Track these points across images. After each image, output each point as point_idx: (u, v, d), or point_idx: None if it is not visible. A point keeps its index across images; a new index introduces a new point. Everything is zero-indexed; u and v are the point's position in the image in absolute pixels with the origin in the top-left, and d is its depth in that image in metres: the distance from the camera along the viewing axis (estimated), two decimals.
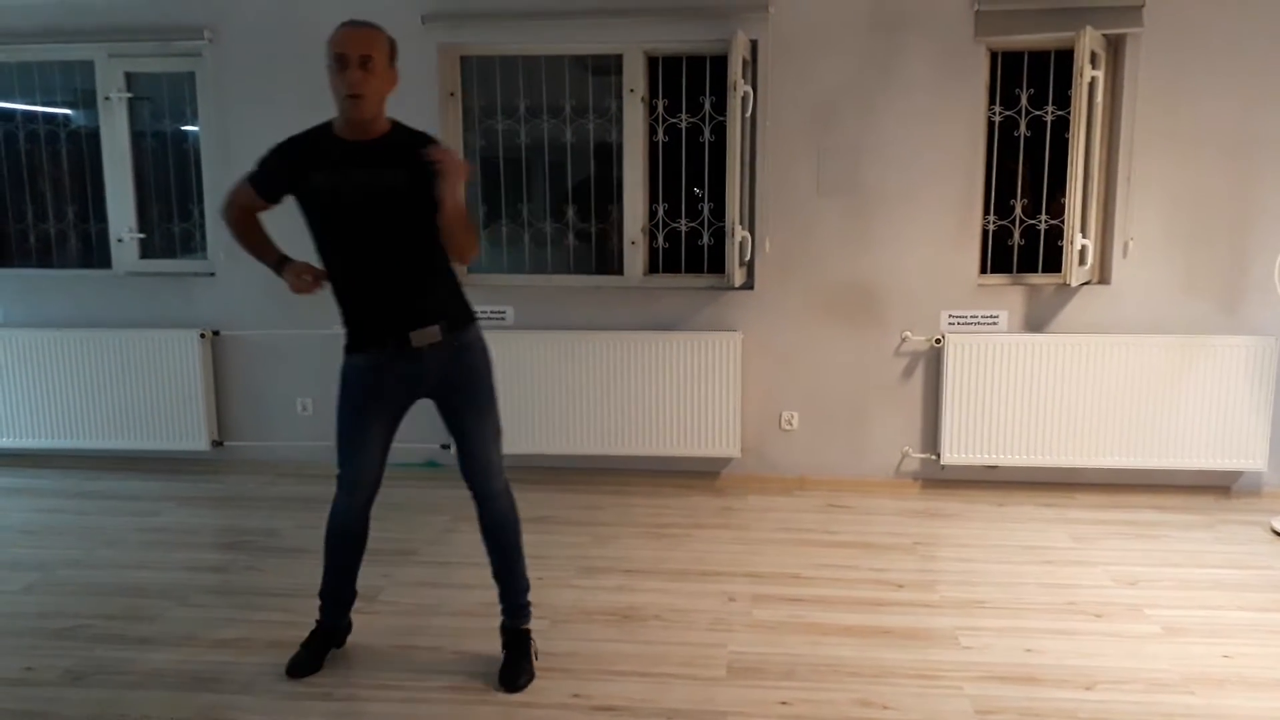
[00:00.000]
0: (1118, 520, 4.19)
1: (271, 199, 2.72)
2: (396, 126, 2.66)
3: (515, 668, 2.80)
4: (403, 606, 3.35)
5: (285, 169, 2.65)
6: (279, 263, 2.74)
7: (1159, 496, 4.45)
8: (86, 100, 4.95)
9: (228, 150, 4.76)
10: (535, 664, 2.86)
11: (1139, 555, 3.79)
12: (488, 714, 2.66)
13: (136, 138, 4.94)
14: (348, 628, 3.01)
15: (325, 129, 2.66)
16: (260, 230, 2.79)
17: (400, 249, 2.62)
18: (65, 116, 5.04)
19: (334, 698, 2.74)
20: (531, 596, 2.94)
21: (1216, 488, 4.52)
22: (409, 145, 2.60)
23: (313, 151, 2.63)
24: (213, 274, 4.89)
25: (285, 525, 4.17)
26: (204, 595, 3.46)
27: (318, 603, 2.95)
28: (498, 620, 2.91)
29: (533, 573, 3.55)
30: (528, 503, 4.49)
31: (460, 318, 2.73)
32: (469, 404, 2.75)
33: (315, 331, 4.83)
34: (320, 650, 2.91)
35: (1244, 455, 4.37)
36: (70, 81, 4.97)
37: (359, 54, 2.50)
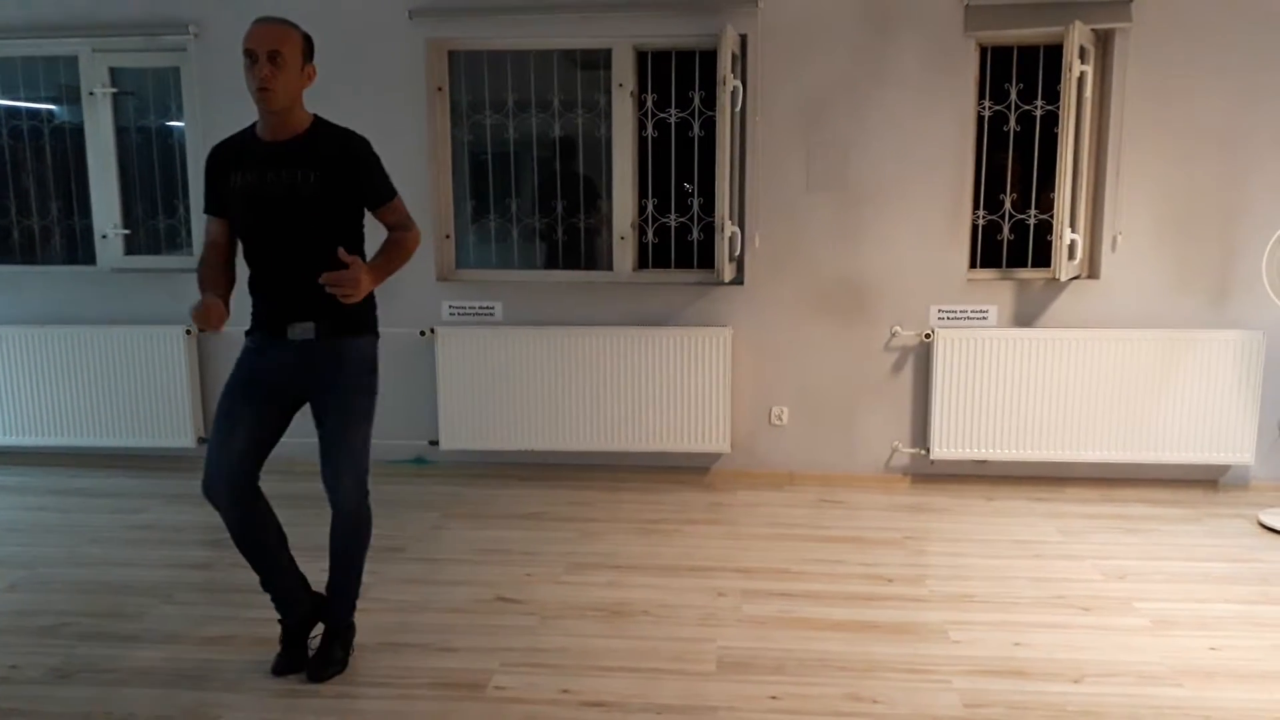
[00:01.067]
0: (1106, 514, 4.20)
1: (223, 214, 2.74)
2: (316, 124, 2.69)
3: (317, 662, 2.80)
4: (391, 603, 3.33)
5: (214, 178, 2.72)
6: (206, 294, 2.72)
7: (1147, 490, 4.47)
8: (71, 95, 4.91)
9: (212, 146, 4.72)
10: (348, 658, 2.86)
11: (1127, 549, 3.80)
12: (476, 711, 2.65)
13: (121, 133, 4.91)
14: (309, 615, 2.89)
15: (249, 131, 2.71)
16: (221, 272, 2.76)
17: (304, 247, 2.63)
18: (49, 112, 5.00)
19: (321, 694, 2.72)
20: (351, 602, 2.90)
21: (1204, 481, 4.54)
22: (327, 147, 2.63)
23: (234, 154, 2.68)
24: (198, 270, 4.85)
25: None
26: (189, 592, 3.43)
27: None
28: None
29: (523, 568, 3.55)
30: (517, 499, 4.50)
31: (348, 325, 2.71)
32: (333, 413, 2.72)
33: None
34: (294, 644, 2.86)
35: (1231, 449, 4.38)
36: (54, 76, 4.93)
37: (267, 49, 2.54)
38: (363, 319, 2.78)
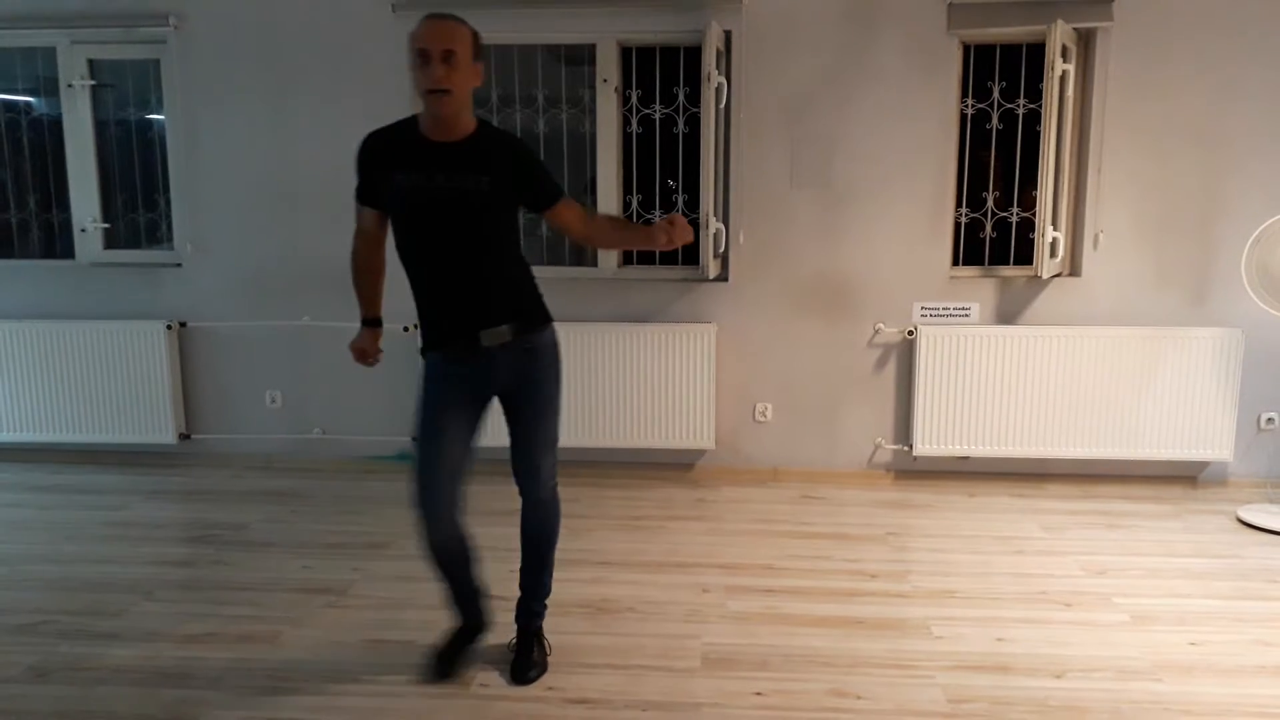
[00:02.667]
0: (1087, 510, 4.23)
1: (376, 205, 2.64)
2: (482, 126, 2.58)
3: (524, 666, 2.78)
4: (374, 600, 3.32)
5: (372, 169, 2.58)
6: (366, 320, 2.81)
7: (1128, 486, 4.50)
8: (49, 87, 4.85)
9: (194, 139, 4.69)
10: (547, 658, 2.85)
11: (1108, 545, 3.83)
12: (460, 708, 2.64)
13: (100, 126, 4.86)
14: (485, 623, 2.89)
15: (410, 125, 2.56)
16: (377, 277, 2.78)
17: (476, 252, 2.55)
18: (27, 104, 4.94)
19: (304, 692, 2.71)
20: (545, 601, 2.92)
21: (1184, 478, 4.58)
22: (496, 150, 2.55)
23: (396, 149, 2.54)
24: (179, 265, 4.82)
25: (253, 519, 4.12)
26: (170, 590, 3.41)
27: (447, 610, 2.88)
28: (543, 609, 2.91)
29: (506, 565, 3.53)
30: (501, 496, 4.47)
31: (532, 320, 2.66)
32: (528, 405, 2.68)
33: (284, 323, 4.78)
34: (459, 648, 2.84)
35: (1211, 446, 4.42)
36: (32, 68, 4.87)
37: (441, 49, 2.39)
38: (541, 309, 2.71)
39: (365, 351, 2.80)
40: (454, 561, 2.74)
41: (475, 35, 2.50)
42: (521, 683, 2.74)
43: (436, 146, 2.52)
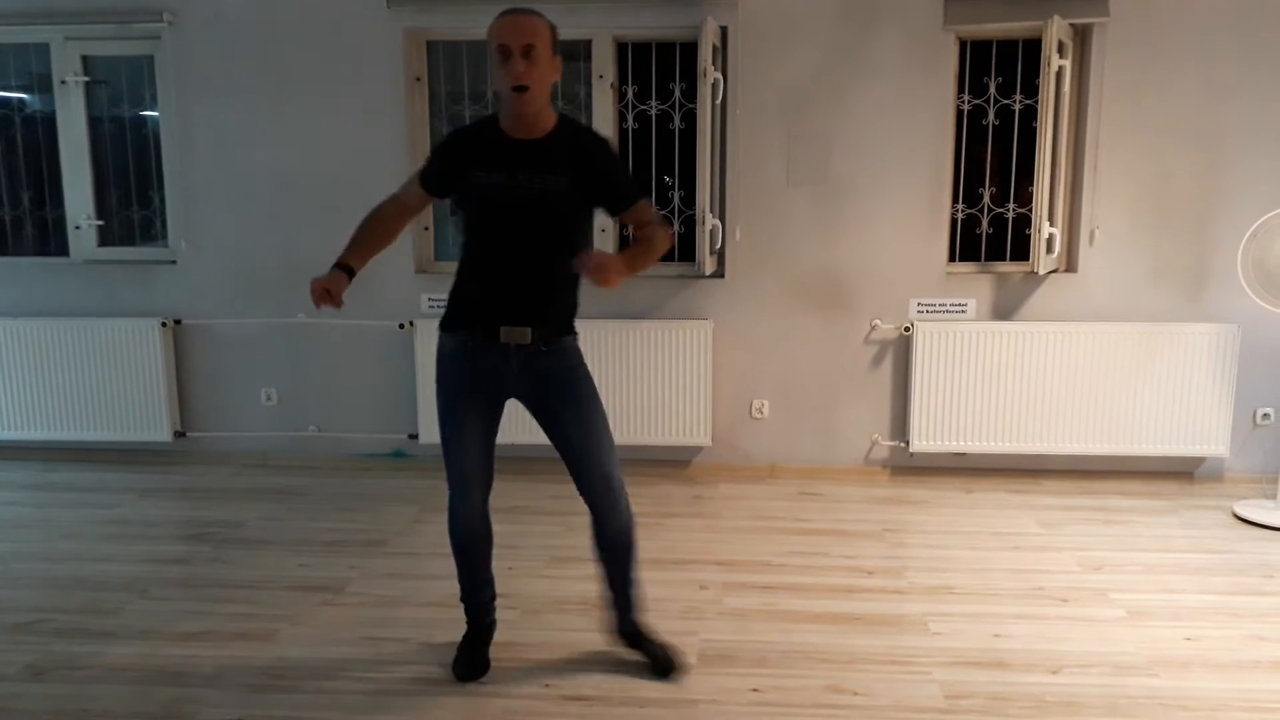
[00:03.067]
0: (1084, 506, 4.23)
1: (438, 194, 2.63)
2: (563, 122, 2.54)
3: (662, 658, 2.77)
4: (371, 598, 3.31)
5: (450, 164, 2.56)
6: (341, 265, 2.58)
7: (1124, 482, 4.51)
8: (42, 84, 4.83)
9: (188, 135, 4.68)
10: (667, 644, 2.83)
11: (1105, 540, 3.84)
12: (457, 705, 2.63)
13: (94, 122, 4.84)
14: (493, 624, 2.89)
15: (491, 123, 2.53)
16: (384, 242, 2.69)
17: (545, 253, 2.51)
18: (20, 100, 4.93)
19: (301, 690, 2.70)
20: (639, 601, 2.88)
21: (1180, 473, 4.58)
22: (577, 149, 2.51)
23: (477, 146, 2.51)
24: (174, 261, 4.81)
25: (249, 516, 4.12)
26: (166, 588, 3.40)
27: (460, 606, 2.86)
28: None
29: (504, 562, 3.53)
30: (497, 492, 4.46)
31: (559, 328, 2.62)
32: (571, 407, 2.62)
33: (280, 320, 4.77)
34: (480, 648, 2.83)
35: (1207, 441, 4.43)
36: (25, 64, 4.86)
37: (522, 44, 2.35)
38: (571, 322, 2.67)
39: (330, 291, 2.49)
40: (479, 550, 2.77)
41: (553, 29, 2.47)
42: (670, 673, 2.74)
43: (517, 144, 2.48)
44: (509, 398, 2.68)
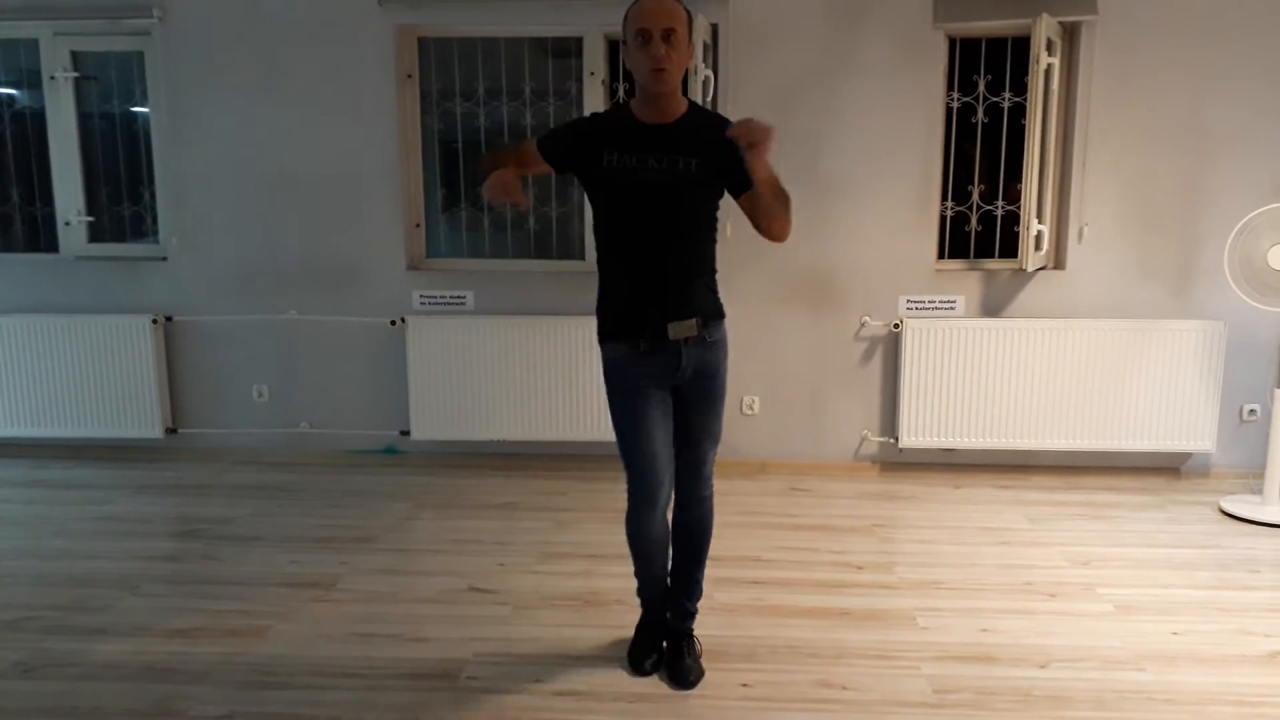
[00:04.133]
0: (1072, 501, 4.26)
1: (555, 164, 2.61)
2: (693, 108, 2.55)
3: (687, 669, 2.75)
4: (362, 594, 3.32)
5: (579, 144, 2.54)
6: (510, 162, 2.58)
7: (1112, 478, 4.54)
8: (31, 80, 4.82)
9: (178, 131, 4.67)
10: (701, 661, 2.81)
11: (1092, 535, 3.86)
12: (448, 701, 2.64)
13: (84, 118, 4.83)
14: (664, 609, 2.88)
15: (623, 109, 2.56)
16: (525, 160, 2.64)
17: (682, 238, 2.51)
18: (9, 96, 4.91)
19: (292, 686, 2.71)
20: (698, 601, 2.87)
21: (1167, 469, 4.61)
22: (706, 131, 2.50)
23: (610, 131, 2.52)
24: (164, 258, 4.80)
25: (240, 513, 4.12)
26: (157, 585, 3.40)
27: (638, 600, 2.87)
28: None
29: (495, 558, 3.55)
30: (489, 489, 4.49)
31: (715, 313, 2.63)
32: (703, 399, 2.64)
33: (271, 317, 4.76)
34: (656, 636, 2.84)
35: (1193, 437, 4.46)
36: (14, 60, 4.84)
37: (662, 28, 2.37)
38: (719, 302, 2.66)
39: (509, 183, 2.49)
40: (660, 552, 2.76)
41: (690, 15, 2.48)
42: (684, 686, 2.70)
43: (649, 129, 2.49)
44: (674, 389, 2.65)
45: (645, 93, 2.48)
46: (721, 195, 2.59)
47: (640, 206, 2.50)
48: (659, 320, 2.53)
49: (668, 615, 2.86)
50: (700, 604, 2.88)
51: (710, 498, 2.77)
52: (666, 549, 2.80)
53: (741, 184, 2.50)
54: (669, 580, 2.85)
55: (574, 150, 2.56)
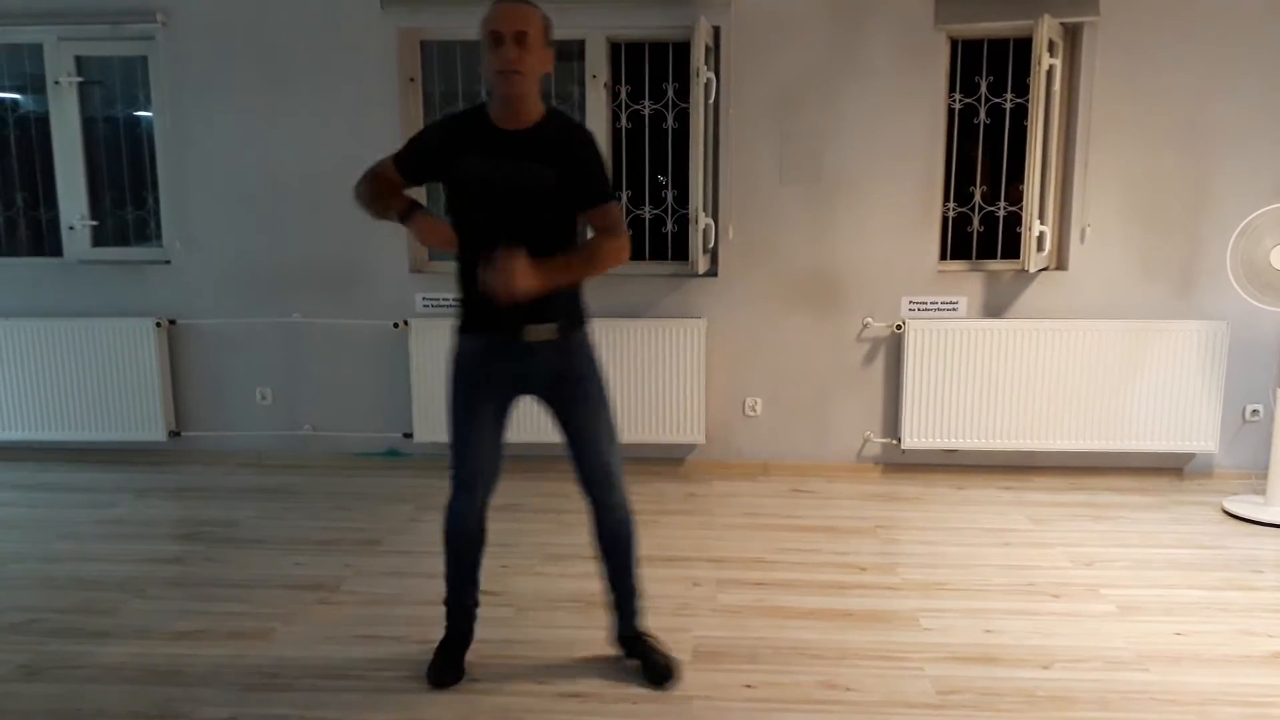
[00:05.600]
0: (1075, 502, 4.26)
1: (414, 181, 2.60)
2: (551, 114, 2.55)
3: (657, 665, 2.75)
4: (366, 596, 3.32)
5: (436, 151, 2.55)
6: (408, 210, 2.53)
7: (1115, 478, 4.54)
8: (35, 85, 4.83)
9: (182, 136, 4.68)
10: (668, 652, 2.80)
11: (1095, 536, 3.86)
12: (451, 703, 2.65)
13: (88, 123, 4.84)
14: (470, 633, 2.86)
15: (479, 112, 2.54)
16: (396, 191, 2.60)
17: (537, 244, 2.49)
18: (14, 101, 4.92)
19: (295, 688, 2.71)
20: (639, 602, 2.86)
21: (1170, 469, 4.61)
22: (562, 138, 2.51)
23: (465, 135, 2.52)
24: (168, 261, 4.81)
25: (244, 516, 4.12)
26: (161, 587, 3.41)
27: (443, 610, 2.83)
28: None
29: (498, 560, 3.55)
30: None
31: (575, 319, 2.63)
32: (579, 404, 2.64)
33: (274, 320, 4.77)
34: (457, 655, 2.80)
35: (1196, 437, 4.46)
36: (18, 65, 4.85)
37: (514, 30, 2.39)
38: (582, 309, 2.66)
39: (436, 226, 2.50)
40: (472, 551, 2.77)
41: (547, 21, 2.49)
42: (666, 681, 2.71)
43: (505, 134, 2.50)
44: (525, 395, 2.69)
45: (499, 96, 2.48)
46: (579, 203, 2.57)
47: (495, 210, 2.51)
48: (516, 323, 2.54)
49: (617, 623, 2.84)
50: (643, 609, 2.86)
51: (625, 506, 2.75)
52: (479, 552, 2.78)
53: (586, 202, 2.54)
54: (606, 587, 2.82)
55: (433, 156, 2.56)
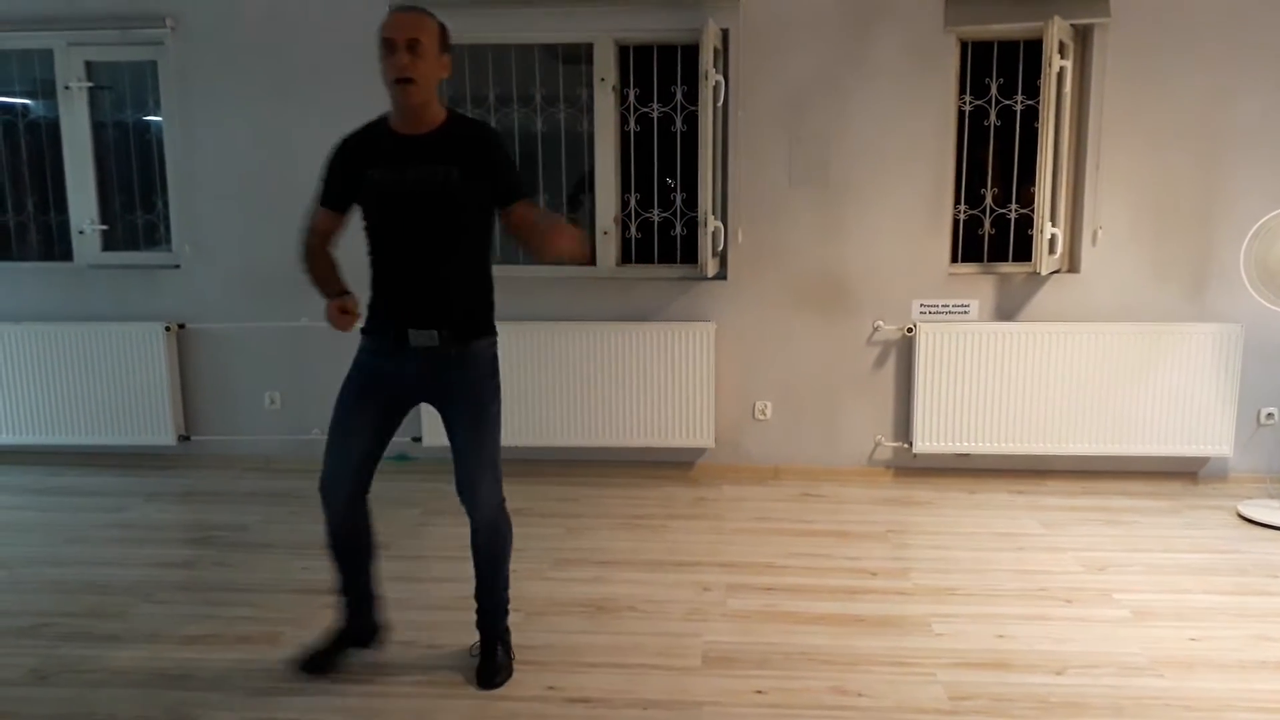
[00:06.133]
0: (1087, 506, 4.23)
1: (345, 208, 2.64)
2: (452, 117, 2.58)
3: (481, 671, 2.77)
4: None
5: (344, 173, 2.59)
6: (337, 294, 2.64)
7: (1128, 483, 4.51)
8: (46, 90, 4.85)
9: (191, 140, 4.69)
10: (513, 662, 2.83)
11: (1108, 541, 3.83)
12: (461, 708, 2.64)
13: (97, 128, 4.85)
14: (374, 629, 2.89)
15: (380, 123, 2.59)
16: (331, 262, 2.70)
17: (443, 248, 2.54)
18: (24, 106, 4.94)
19: (306, 693, 2.71)
20: (496, 606, 2.87)
21: (1184, 473, 4.58)
22: (466, 140, 2.54)
23: (368, 148, 2.57)
24: (177, 266, 4.82)
25: (253, 520, 4.12)
26: (171, 592, 3.41)
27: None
28: (471, 616, 2.86)
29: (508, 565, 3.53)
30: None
31: (471, 330, 2.64)
32: (460, 419, 2.66)
33: (283, 324, 4.77)
34: (335, 649, 2.82)
35: (1210, 441, 4.42)
36: (29, 70, 4.87)
37: (406, 38, 2.43)
38: (485, 320, 2.69)
39: (344, 308, 2.58)
40: (351, 553, 2.77)
41: (443, 28, 2.54)
42: (487, 686, 2.73)
43: (406, 140, 2.53)
44: (415, 403, 2.72)
45: (396, 104, 2.52)
46: (489, 204, 2.59)
47: (399, 217, 2.54)
48: (401, 326, 2.58)
49: (477, 621, 2.84)
50: (504, 612, 2.87)
51: (491, 524, 2.76)
52: (358, 557, 2.79)
53: (502, 199, 2.56)
54: (476, 595, 2.83)
55: (344, 178, 2.60)
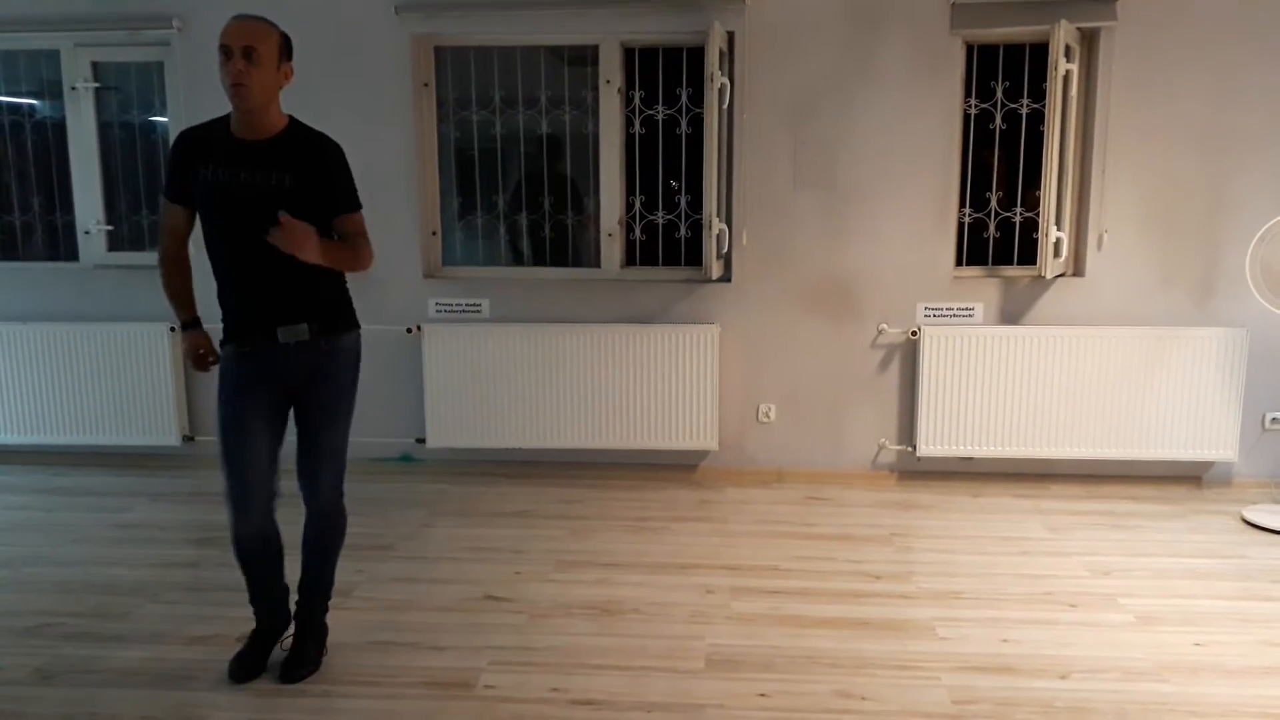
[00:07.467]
0: (1092, 511, 4.22)
1: (186, 203, 2.67)
2: (293, 125, 2.67)
3: (289, 663, 2.79)
4: (379, 602, 3.32)
5: (181, 166, 2.64)
6: (187, 324, 2.77)
7: (1132, 487, 4.50)
8: (52, 90, 4.86)
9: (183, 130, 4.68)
10: (322, 658, 2.86)
11: (1113, 545, 3.83)
12: (465, 710, 2.64)
13: (104, 128, 4.86)
14: (286, 621, 2.91)
15: (222, 124, 2.65)
16: (188, 277, 2.78)
17: (278, 250, 2.55)
18: (31, 106, 4.95)
19: (308, 694, 2.71)
20: (318, 597, 2.91)
21: (1189, 478, 4.57)
22: (302, 149, 2.61)
23: (205, 147, 2.62)
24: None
25: None
26: (175, 592, 3.41)
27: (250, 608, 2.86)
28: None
29: (511, 566, 3.55)
30: (505, 497, 4.49)
31: (334, 322, 2.72)
32: (313, 409, 2.73)
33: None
34: (261, 650, 2.84)
35: (1215, 446, 4.42)
36: (36, 71, 4.88)
37: (242, 45, 2.52)
38: (348, 313, 2.78)
39: (203, 352, 2.75)
40: (262, 559, 2.80)
41: (284, 37, 2.63)
42: (291, 680, 2.75)
43: (243, 144, 2.60)
44: (292, 401, 2.75)
45: (234, 108, 2.60)
46: (325, 212, 2.64)
47: (235, 219, 2.59)
48: (268, 325, 2.63)
49: (295, 612, 2.87)
50: (325, 607, 2.90)
51: (326, 515, 2.82)
52: (273, 564, 2.82)
53: (333, 208, 2.64)
54: (299, 583, 2.87)
55: (183, 172, 2.64)
